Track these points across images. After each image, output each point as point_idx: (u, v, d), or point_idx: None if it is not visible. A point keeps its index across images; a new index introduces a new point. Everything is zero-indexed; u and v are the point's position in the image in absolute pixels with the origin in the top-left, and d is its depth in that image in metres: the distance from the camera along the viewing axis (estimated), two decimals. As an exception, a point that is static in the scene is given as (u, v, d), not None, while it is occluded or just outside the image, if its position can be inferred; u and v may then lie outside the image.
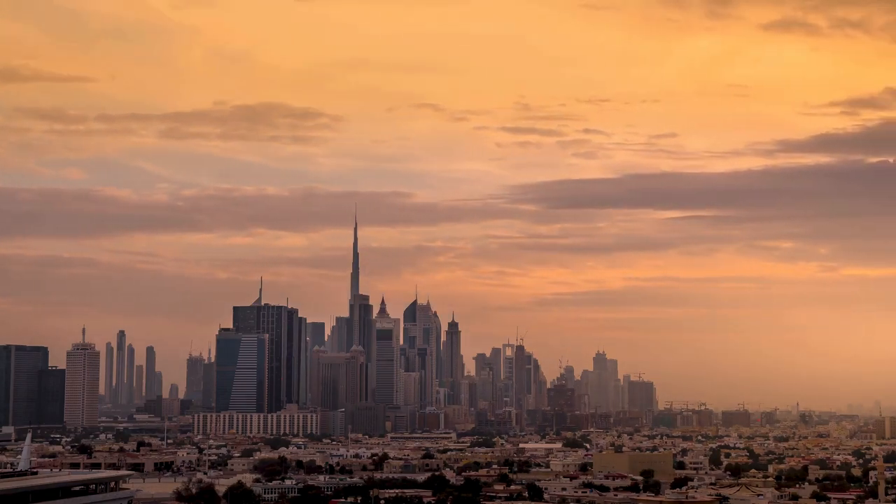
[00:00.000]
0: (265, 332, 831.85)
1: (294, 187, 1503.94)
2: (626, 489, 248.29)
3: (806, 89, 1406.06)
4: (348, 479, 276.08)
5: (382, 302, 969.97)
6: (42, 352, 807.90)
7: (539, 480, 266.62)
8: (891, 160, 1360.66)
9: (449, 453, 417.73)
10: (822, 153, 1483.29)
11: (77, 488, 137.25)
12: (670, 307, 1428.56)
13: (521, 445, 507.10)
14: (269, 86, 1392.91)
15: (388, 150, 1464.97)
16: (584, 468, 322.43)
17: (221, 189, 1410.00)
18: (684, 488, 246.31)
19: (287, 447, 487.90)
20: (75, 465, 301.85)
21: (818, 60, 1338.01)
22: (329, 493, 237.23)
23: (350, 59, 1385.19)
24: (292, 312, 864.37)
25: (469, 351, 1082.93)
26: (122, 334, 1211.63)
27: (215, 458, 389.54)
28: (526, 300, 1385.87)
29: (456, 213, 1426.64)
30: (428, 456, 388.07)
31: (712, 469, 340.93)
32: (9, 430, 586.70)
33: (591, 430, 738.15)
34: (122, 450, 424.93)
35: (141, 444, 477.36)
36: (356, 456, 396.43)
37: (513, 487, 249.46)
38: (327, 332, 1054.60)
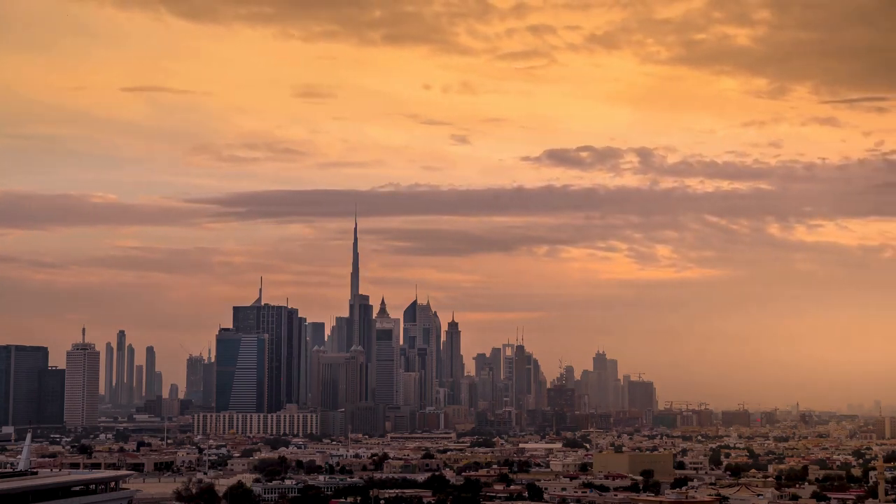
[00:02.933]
0: (265, 332, 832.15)
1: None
2: (626, 489, 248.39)
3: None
4: (348, 479, 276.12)
5: (382, 302, 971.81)
6: (42, 352, 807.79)
7: (539, 480, 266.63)
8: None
9: (449, 453, 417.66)
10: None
11: (77, 488, 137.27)
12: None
13: (521, 445, 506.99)
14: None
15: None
16: (584, 468, 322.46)
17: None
18: (684, 488, 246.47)
19: (287, 447, 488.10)
20: (75, 465, 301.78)
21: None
22: (329, 493, 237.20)
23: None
24: (292, 312, 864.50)
25: (469, 351, 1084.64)
26: (122, 334, 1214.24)
27: (215, 458, 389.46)
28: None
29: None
30: (428, 456, 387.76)
31: (712, 469, 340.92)
32: (9, 430, 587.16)
33: (591, 430, 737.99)
34: (122, 450, 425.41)
35: (141, 444, 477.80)
36: (356, 456, 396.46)
37: (513, 487, 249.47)
38: (327, 332, 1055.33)
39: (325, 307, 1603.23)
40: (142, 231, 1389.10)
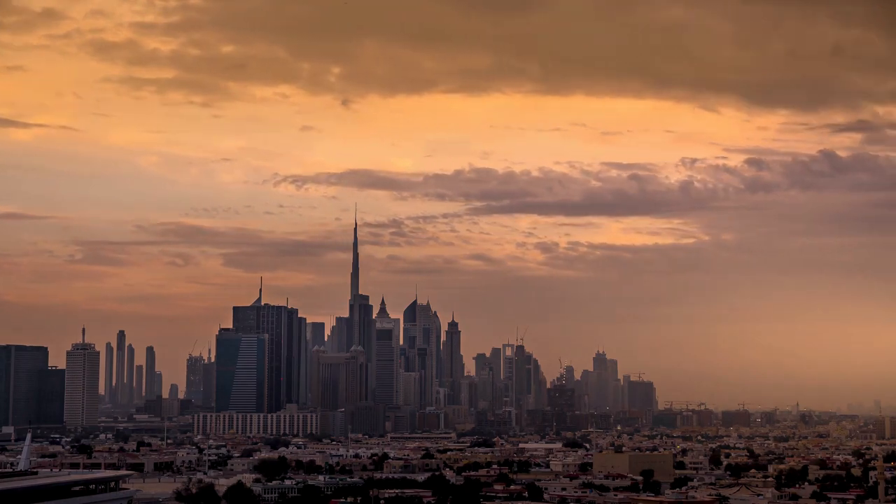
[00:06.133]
0: (265, 332, 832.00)
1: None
2: (626, 489, 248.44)
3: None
4: (348, 479, 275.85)
5: (382, 302, 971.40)
6: (42, 352, 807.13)
7: (539, 480, 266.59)
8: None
9: (449, 453, 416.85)
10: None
11: (77, 488, 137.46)
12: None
13: (521, 445, 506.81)
14: None
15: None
16: (584, 468, 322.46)
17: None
18: (684, 488, 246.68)
19: (287, 447, 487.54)
20: (75, 465, 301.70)
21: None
22: (329, 493, 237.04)
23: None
24: (292, 312, 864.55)
25: (469, 351, 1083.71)
26: (122, 334, 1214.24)
27: (215, 458, 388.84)
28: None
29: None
30: (428, 456, 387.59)
31: (712, 469, 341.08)
32: (9, 430, 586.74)
33: (591, 430, 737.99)
34: (122, 450, 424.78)
35: (141, 444, 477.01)
36: (356, 456, 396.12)
37: (513, 487, 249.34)
38: (327, 332, 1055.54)
39: (325, 307, 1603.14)
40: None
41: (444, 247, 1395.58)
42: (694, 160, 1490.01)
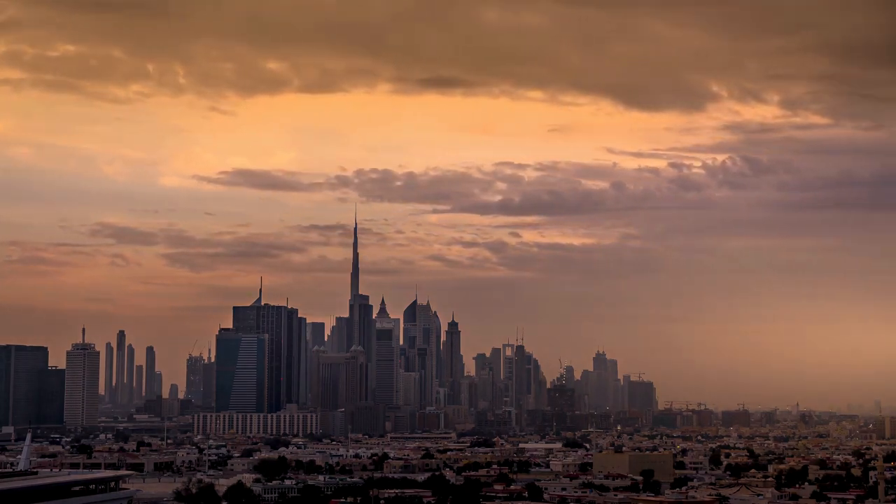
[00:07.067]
0: (265, 332, 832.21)
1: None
2: (626, 489, 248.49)
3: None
4: (348, 479, 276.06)
5: (382, 302, 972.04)
6: (42, 352, 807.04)
7: (539, 480, 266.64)
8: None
9: (449, 453, 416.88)
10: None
11: (77, 488, 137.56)
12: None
13: (521, 445, 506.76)
14: None
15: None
16: (584, 468, 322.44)
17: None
18: (684, 488, 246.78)
19: (287, 447, 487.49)
20: (75, 465, 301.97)
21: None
22: (329, 493, 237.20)
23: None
24: (292, 312, 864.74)
25: (469, 351, 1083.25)
26: (122, 334, 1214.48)
27: (215, 458, 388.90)
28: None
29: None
30: (428, 456, 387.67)
31: (712, 469, 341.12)
32: (9, 430, 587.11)
33: (591, 430, 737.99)
34: (122, 450, 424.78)
35: (141, 444, 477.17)
36: (356, 456, 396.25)
37: (513, 487, 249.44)
38: (327, 332, 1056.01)
39: (325, 307, 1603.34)
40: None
41: (397, 248, 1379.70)
42: (614, 164, 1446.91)
